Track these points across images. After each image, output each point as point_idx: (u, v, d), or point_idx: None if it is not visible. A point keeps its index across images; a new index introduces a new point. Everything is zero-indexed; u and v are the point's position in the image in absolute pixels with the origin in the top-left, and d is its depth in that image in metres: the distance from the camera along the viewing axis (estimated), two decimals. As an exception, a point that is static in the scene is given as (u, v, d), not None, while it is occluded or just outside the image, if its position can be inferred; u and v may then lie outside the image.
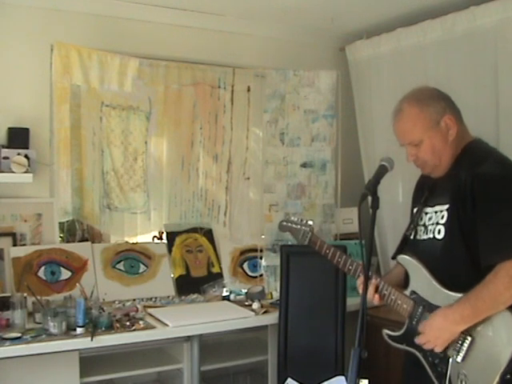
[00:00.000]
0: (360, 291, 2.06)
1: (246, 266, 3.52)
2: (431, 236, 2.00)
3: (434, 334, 1.86)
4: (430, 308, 1.93)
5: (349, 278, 2.63)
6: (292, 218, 2.29)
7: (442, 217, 1.97)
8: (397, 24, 3.44)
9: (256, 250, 3.52)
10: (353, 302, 2.91)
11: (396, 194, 3.46)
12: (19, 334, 2.46)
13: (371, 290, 2.02)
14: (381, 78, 3.59)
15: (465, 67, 3.11)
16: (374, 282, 2.03)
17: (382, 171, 1.92)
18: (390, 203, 3.42)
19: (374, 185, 1.85)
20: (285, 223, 2.30)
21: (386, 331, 2.06)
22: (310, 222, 2.23)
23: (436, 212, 2.01)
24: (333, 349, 2.93)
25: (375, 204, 1.80)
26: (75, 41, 3.03)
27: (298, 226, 2.23)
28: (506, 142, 2.88)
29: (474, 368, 1.82)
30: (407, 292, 2.02)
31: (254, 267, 3.52)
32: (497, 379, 1.75)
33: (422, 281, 1.98)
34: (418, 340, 1.91)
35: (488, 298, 1.78)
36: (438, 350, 1.88)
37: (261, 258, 3.50)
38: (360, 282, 2.09)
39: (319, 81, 3.55)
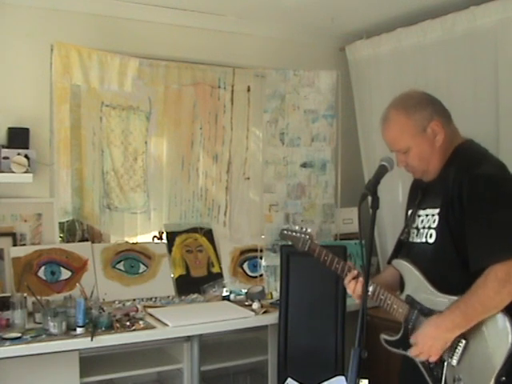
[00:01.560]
0: (348, 290, 2.07)
1: (246, 266, 3.52)
2: (423, 240, 2.00)
3: (427, 343, 1.85)
4: (425, 312, 1.93)
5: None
6: (292, 227, 2.32)
7: (434, 221, 1.96)
8: (397, 24, 3.44)
9: (256, 250, 3.52)
10: (353, 302, 2.89)
11: (396, 194, 3.46)
12: (19, 334, 2.46)
13: (358, 287, 2.03)
14: (381, 77, 3.59)
15: (465, 67, 3.10)
16: (361, 279, 2.01)
17: (381, 171, 1.92)
18: (389, 203, 3.42)
19: (373, 185, 1.85)
20: (285, 232, 2.32)
21: (383, 336, 2.06)
22: (310, 230, 2.24)
23: (427, 215, 2.01)
24: (333, 349, 2.93)
25: (375, 204, 1.80)
26: (75, 41, 3.03)
27: (298, 234, 2.24)
28: (506, 141, 2.88)
29: (469, 371, 1.82)
30: (403, 296, 2.02)
31: (254, 267, 3.52)
32: (492, 381, 1.75)
33: (417, 285, 1.98)
34: (410, 352, 1.91)
35: (478, 303, 1.77)
36: (432, 359, 1.87)
37: (261, 258, 3.50)
38: (347, 281, 2.08)
39: (319, 81, 3.55)
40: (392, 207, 3.43)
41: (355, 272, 2.06)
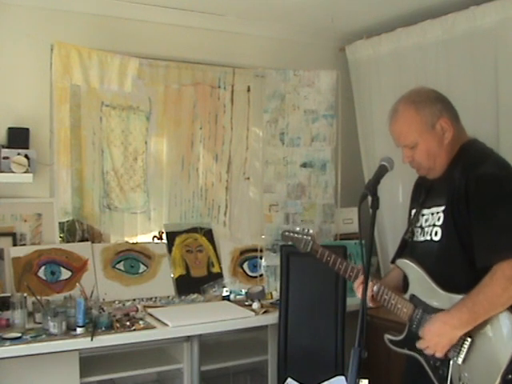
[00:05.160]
0: (357, 294, 2.08)
1: (246, 266, 3.52)
2: (428, 238, 2.00)
3: (433, 339, 1.86)
4: (430, 311, 1.93)
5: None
6: (294, 228, 2.33)
7: (439, 218, 1.97)
8: (397, 24, 3.45)
9: (256, 250, 3.52)
10: (353, 302, 2.91)
11: (396, 194, 3.46)
12: (19, 334, 2.46)
13: (368, 292, 2.00)
14: (381, 78, 3.59)
15: (465, 67, 3.11)
16: (370, 284, 2.02)
17: (381, 171, 1.91)
18: (390, 203, 3.42)
19: (373, 185, 1.85)
20: (287, 233, 2.34)
21: (387, 336, 2.05)
22: (311, 231, 2.26)
23: (432, 214, 2.01)
24: (333, 349, 2.93)
25: (375, 204, 1.80)
26: (75, 41, 3.03)
27: (300, 236, 2.26)
28: (506, 142, 2.88)
29: (475, 369, 1.82)
30: (407, 295, 2.01)
31: (254, 267, 3.52)
32: (498, 380, 1.75)
33: (421, 284, 1.97)
34: (418, 345, 1.91)
35: (485, 301, 1.77)
36: (438, 355, 1.87)
37: (261, 258, 3.50)
38: (357, 285, 2.09)
39: (319, 81, 3.55)
40: (392, 207, 3.43)
41: (363, 277, 2.03)
